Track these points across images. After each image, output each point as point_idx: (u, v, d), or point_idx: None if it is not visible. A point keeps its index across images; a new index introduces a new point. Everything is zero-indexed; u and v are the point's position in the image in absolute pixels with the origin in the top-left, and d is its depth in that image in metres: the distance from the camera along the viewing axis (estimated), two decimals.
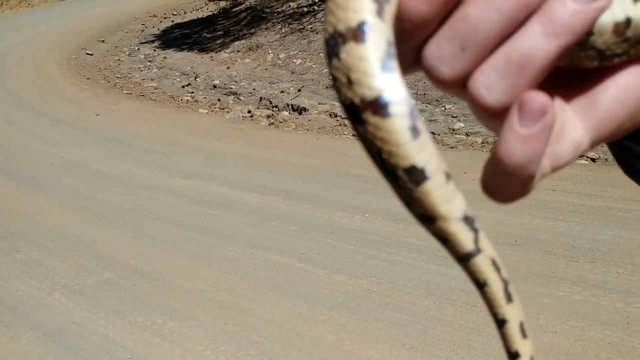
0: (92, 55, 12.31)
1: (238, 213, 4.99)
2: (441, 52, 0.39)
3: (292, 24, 11.69)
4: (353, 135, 6.48)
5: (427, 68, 0.39)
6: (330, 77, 0.38)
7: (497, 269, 0.41)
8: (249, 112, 7.94)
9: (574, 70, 0.43)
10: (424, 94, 7.44)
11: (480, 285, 0.41)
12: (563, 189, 4.60)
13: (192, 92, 9.24)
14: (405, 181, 0.37)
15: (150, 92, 9.48)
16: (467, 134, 6.25)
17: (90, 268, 4.40)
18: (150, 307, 3.87)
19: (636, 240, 3.84)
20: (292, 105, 7.91)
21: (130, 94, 9.49)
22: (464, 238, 0.39)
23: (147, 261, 4.41)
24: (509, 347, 0.43)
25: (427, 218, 0.39)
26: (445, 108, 6.99)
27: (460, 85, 0.39)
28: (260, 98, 8.42)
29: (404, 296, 3.64)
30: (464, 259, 0.40)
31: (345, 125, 6.97)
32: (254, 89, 8.93)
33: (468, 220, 0.39)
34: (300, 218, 4.79)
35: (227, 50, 11.33)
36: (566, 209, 4.29)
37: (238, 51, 11.05)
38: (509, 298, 0.42)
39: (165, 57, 11.66)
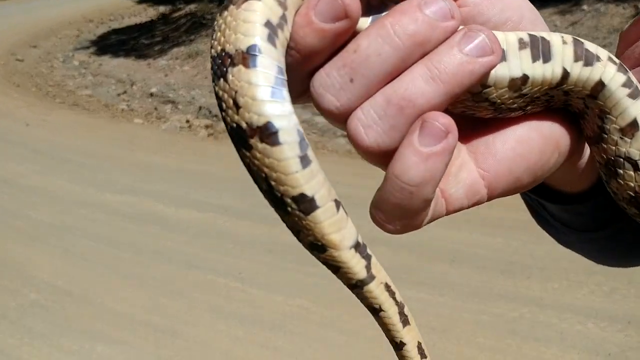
0: (22, 61, 11.86)
1: (174, 230, 4.84)
2: (330, 80, 0.38)
3: None
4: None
5: (315, 96, 0.38)
6: (215, 96, 0.37)
7: (392, 294, 0.41)
8: (187, 122, 7.76)
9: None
10: None
11: (376, 310, 0.41)
12: (500, 203, 4.63)
13: (128, 101, 9.00)
14: (294, 209, 0.36)
15: (84, 101, 9.18)
16: None
17: (15, 290, 4.18)
18: (79, 331, 3.70)
19: (571, 256, 3.89)
20: None
21: (64, 103, 9.16)
22: (356, 266, 0.39)
23: (77, 282, 4.23)
24: None
25: (318, 247, 0.38)
26: None
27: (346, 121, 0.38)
28: (200, 107, 8.26)
29: (343, 316, 3.58)
30: (356, 286, 0.40)
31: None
32: (193, 98, 8.76)
33: (359, 248, 0.38)
34: (239, 235, 4.68)
35: (165, 57, 11.10)
36: (504, 224, 4.33)
37: (177, 58, 10.84)
38: (405, 321, 0.42)
39: (100, 64, 11.33)
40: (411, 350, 0.43)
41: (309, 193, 0.36)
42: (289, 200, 0.36)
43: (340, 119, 0.38)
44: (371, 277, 0.40)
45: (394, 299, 0.42)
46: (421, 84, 0.36)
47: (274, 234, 4.55)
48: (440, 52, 0.37)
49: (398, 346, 0.43)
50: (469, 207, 0.43)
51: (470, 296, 3.64)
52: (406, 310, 0.42)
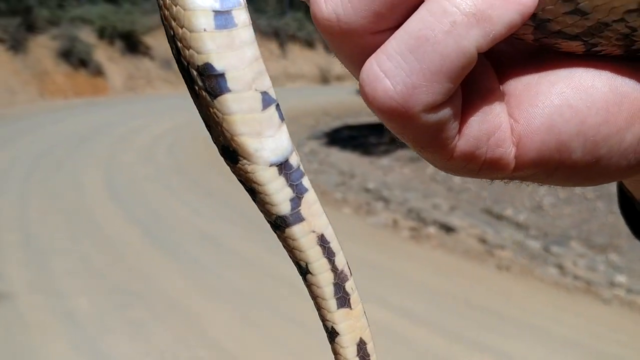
0: None
1: None
2: None
3: None
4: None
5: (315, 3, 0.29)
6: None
7: (328, 253, 0.29)
8: (395, 220, 7.79)
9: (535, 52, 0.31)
10: (587, 238, 6.87)
11: (302, 271, 0.30)
12: None
13: (345, 192, 9.32)
14: (200, 87, 0.27)
15: None
16: (628, 290, 5.60)
17: (186, 341, 4.34)
18: None
19: None
20: (439, 222, 7.66)
21: None
22: (276, 193, 0.28)
23: (246, 348, 4.28)
24: None
25: (229, 153, 0.28)
26: (607, 257, 6.37)
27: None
28: (409, 209, 8.27)
29: None
30: (277, 226, 0.29)
31: (493, 256, 6.55)
32: (405, 199, 8.81)
33: (289, 171, 0.28)
34: (417, 342, 4.44)
35: (388, 158, 11.42)
36: None
37: (398, 160, 11.10)
38: (342, 301, 0.31)
39: (328, 155, 11.98)
40: (346, 346, 0.31)
41: (217, 65, 0.26)
42: (194, 72, 0.27)
43: (339, 30, 0.28)
44: (297, 218, 0.29)
45: (331, 261, 0.30)
46: None
47: (451, 347, 4.25)
48: None
49: (330, 335, 0.32)
50: (486, 159, 0.30)
51: None
52: (350, 287, 0.31)
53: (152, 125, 14.37)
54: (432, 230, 7.42)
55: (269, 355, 4.21)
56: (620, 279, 5.84)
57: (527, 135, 0.29)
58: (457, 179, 9.65)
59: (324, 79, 27.01)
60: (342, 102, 18.12)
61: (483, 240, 7.00)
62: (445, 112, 0.28)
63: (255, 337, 4.48)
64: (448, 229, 7.45)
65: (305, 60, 27.40)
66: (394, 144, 12.17)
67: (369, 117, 16.00)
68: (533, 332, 4.60)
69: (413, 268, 5.95)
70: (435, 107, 0.28)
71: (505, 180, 0.32)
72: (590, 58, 0.29)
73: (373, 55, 0.28)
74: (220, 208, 8.01)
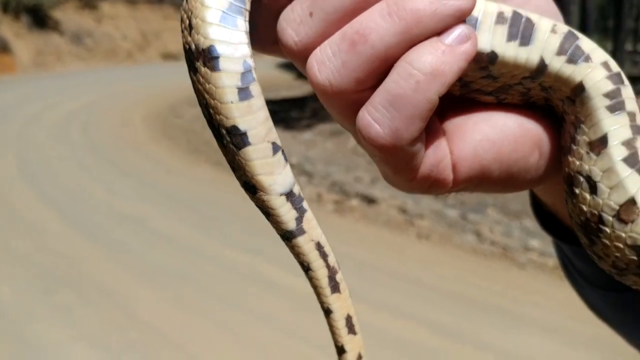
0: (180, 118, 12.76)
1: (282, 296, 4.81)
2: (292, 15, 0.38)
3: None
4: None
5: (278, 32, 0.39)
6: (180, 20, 0.37)
7: (323, 255, 0.41)
8: (318, 195, 7.87)
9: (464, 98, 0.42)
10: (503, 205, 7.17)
11: (305, 268, 0.42)
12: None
13: None
14: (228, 142, 0.37)
15: (225, 161, 9.63)
16: (541, 253, 5.90)
17: (119, 325, 4.29)
18: None
19: None
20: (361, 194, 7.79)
21: (208, 160, 9.67)
22: (285, 215, 0.39)
23: (177, 329, 4.27)
24: (335, 340, 0.43)
25: (249, 187, 0.39)
26: (521, 223, 6.68)
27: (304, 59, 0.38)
28: (333, 183, 8.36)
29: None
30: (286, 238, 0.41)
31: (413, 225, 6.74)
32: (328, 174, 8.90)
33: (292, 198, 0.39)
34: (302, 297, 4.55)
35: (310, 132, 11.47)
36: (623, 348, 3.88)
37: (321, 134, 11.16)
38: (335, 288, 0.42)
39: None
40: (338, 320, 0.43)
41: (241, 127, 0.36)
42: (223, 131, 0.37)
43: (299, 56, 0.38)
44: (301, 231, 0.41)
45: (325, 260, 0.42)
46: (377, 18, 0.36)
47: (381, 320, 4.38)
48: None
49: (326, 312, 0.43)
50: (435, 179, 0.40)
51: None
52: (339, 278, 0.42)
53: (64, 102, 13.84)
54: (354, 202, 7.55)
55: (200, 333, 4.21)
56: (534, 243, 6.15)
57: (460, 162, 0.40)
58: None
59: None
60: (262, 77, 17.82)
61: (403, 211, 7.19)
62: (418, 145, 0.38)
63: (186, 316, 4.46)
64: (370, 200, 7.60)
65: None
66: (315, 118, 12.23)
67: (290, 92, 15.98)
68: (453, 298, 4.79)
69: (338, 240, 6.04)
70: (412, 141, 0.37)
71: (444, 195, 0.43)
72: (502, 104, 0.41)
73: (364, 107, 0.37)
74: (139, 187, 7.86)
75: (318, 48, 0.37)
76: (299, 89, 16.18)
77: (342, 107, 0.38)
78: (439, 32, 0.35)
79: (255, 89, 0.36)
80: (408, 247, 6.00)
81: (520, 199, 7.18)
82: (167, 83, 16.98)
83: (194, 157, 9.79)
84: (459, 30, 0.35)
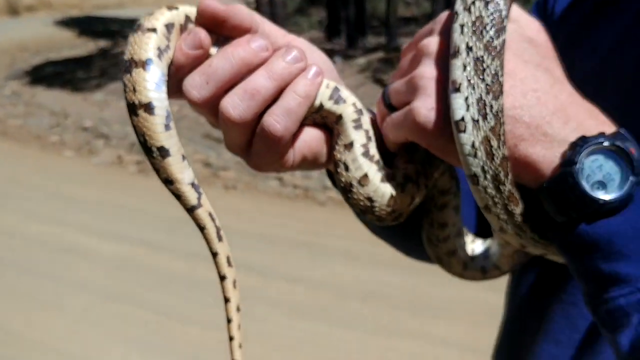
0: None
1: (95, 262, 4.85)
2: (194, 82, 0.61)
3: None
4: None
5: (185, 92, 0.61)
6: (122, 83, 0.60)
7: (213, 220, 0.64)
8: (119, 157, 7.77)
9: None
10: None
11: (202, 228, 0.64)
12: None
13: (60, 134, 8.93)
14: (157, 155, 0.60)
15: (15, 131, 9.06)
16: (338, 192, 6.45)
17: None
18: None
19: (476, 299, 4.11)
20: None
21: None
22: (191, 196, 0.62)
23: None
24: (219, 271, 0.66)
25: (169, 181, 0.61)
26: None
27: (208, 108, 0.62)
28: (133, 143, 8.27)
29: (254, 348, 3.67)
30: (190, 210, 0.63)
31: (219, 177, 6.98)
32: (126, 134, 8.77)
33: (194, 186, 0.62)
34: (159, 269, 4.72)
35: (101, 92, 11.09)
36: (414, 265, 4.53)
37: (114, 94, 10.83)
38: (219, 238, 0.65)
39: (34, 95, 11.21)
40: (222, 258, 0.66)
41: (166, 146, 0.60)
42: (154, 150, 0.59)
43: (202, 107, 0.62)
44: (200, 205, 0.63)
45: (214, 222, 0.64)
46: (262, 80, 0.61)
47: (193, 269, 4.62)
48: (272, 61, 0.62)
49: (214, 255, 0.66)
50: (293, 160, 0.68)
51: (379, 332, 3.80)
52: (222, 233, 0.65)
53: None
54: None
55: (18, 309, 4.16)
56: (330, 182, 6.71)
57: (295, 152, 0.68)
58: (173, 106, 9.82)
59: (12, 10, 24.40)
60: (39, 36, 16.74)
61: (207, 164, 7.38)
62: (289, 139, 0.65)
63: (19, 302, 4.36)
64: None
65: None
66: (105, 78, 11.79)
67: (73, 51, 15.09)
68: (263, 240, 5.17)
69: (145, 201, 6.12)
70: (290, 135, 0.64)
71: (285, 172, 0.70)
72: (307, 124, 0.68)
73: (266, 115, 0.63)
74: None
75: (227, 97, 0.61)
76: (83, 48, 15.34)
77: (242, 128, 0.62)
78: (297, 76, 0.62)
79: (172, 123, 0.60)
80: (217, 198, 6.25)
81: None
82: None
83: None
84: (314, 68, 0.63)
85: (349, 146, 0.67)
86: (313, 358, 3.60)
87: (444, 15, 0.64)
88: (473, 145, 0.56)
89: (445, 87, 0.59)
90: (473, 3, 0.58)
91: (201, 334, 3.85)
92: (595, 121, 0.59)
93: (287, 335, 3.82)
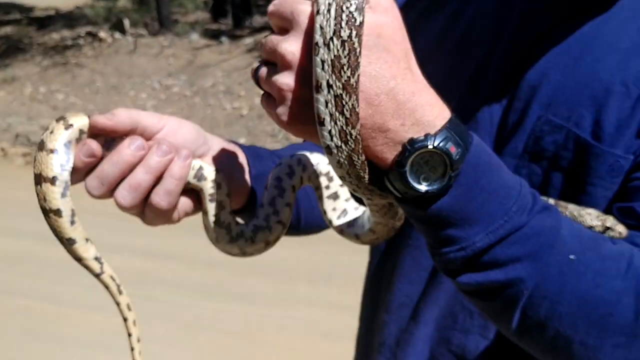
0: None
1: None
2: (92, 183, 0.81)
3: (54, 56, 11.26)
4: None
5: (87, 188, 0.81)
6: (35, 192, 0.79)
7: (114, 279, 0.87)
8: (3, 150, 7.51)
9: None
10: None
11: (106, 286, 0.87)
12: None
13: None
14: (53, 216, 0.79)
15: None
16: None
17: None
18: None
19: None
20: None
21: None
22: (95, 267, 0.84)
23: None
24: (123, 316, 0.89)
25: (78, 259, 0.82)
26: None
27: (106, 198, 0.81)
28: (17, 135, 8.01)
29: (158, 329, 3.79)
30: (97, 276, 0.85)
31: None
32: (9, 125, 8.46)
33: (97, 259, 0.84)
34: (55, 260, 4.70)
35: None
36: (310, 237, 4.77)
37: None
38: (120, 292, 0.88)
39: None
40: (123, 306, 0.90)
41: (61, 208, 0.79)
42: (51, 212, 0.80)
43: (102, 197, 0.82)
44: (102, 272, 0.86)
45: (115, 281, 0.88)
46: (141, 175, 0.81)
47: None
48: (148, 158, 0.80)
49: (117, 304, 0.89)
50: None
51: (276, 303, 4.02)
52: (122, 288, 0.89)
53: None
54: None
55: None
56: None
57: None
58: (60, 96, 9.54)
59: None
60: None
61: None
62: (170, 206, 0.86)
63: None
64: None
65: None
66: None
67: None
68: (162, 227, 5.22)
69: (34, 193, 5.97)
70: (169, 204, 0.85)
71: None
72: (186, 192, 0.87)
73: (153, 194, 0.82)
74: None
75: (118, 191, 0.80)
76: None
77: (133, 209, 0.82)
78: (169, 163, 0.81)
79: (67, 192, 0.78)
80: None
81: (207, 122, 7.75)
82: None
83: None
84: (184, 152, 0.82)
85: (205, 213, 0.88)
86: (214, 333, 3.76)
87: (303, 10, 0.65)
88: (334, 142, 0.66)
89: (304, 97, 0.65)
90: (331, 39, 0.61)
91: (103, 320, 3.92)
92: (430, 115, 0.66)
93: (188, 313, 3.96)
